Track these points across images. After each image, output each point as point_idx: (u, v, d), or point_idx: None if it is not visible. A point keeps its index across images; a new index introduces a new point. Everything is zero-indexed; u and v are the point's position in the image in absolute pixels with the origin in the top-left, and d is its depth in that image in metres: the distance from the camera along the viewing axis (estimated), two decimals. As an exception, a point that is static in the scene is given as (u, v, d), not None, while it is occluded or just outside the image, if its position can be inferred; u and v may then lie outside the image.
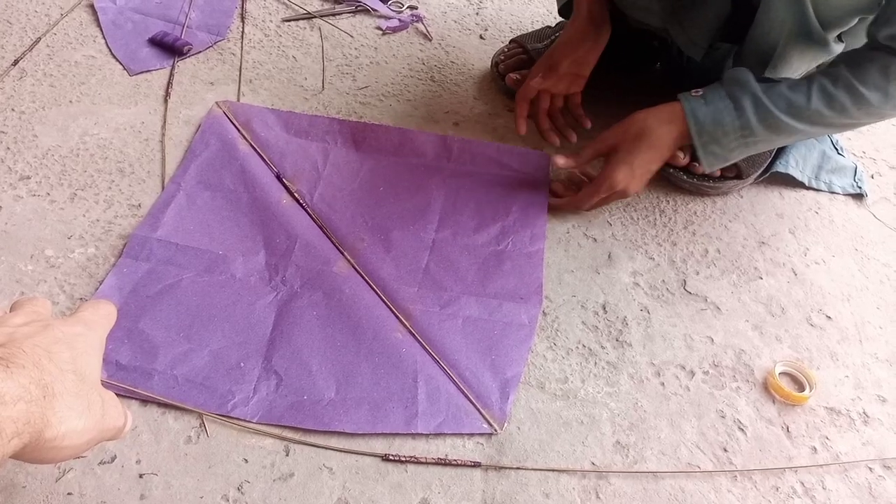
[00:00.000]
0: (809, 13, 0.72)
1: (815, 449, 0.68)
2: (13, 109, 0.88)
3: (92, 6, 1.05)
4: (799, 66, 0.81)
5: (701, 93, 0.78)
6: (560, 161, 0.83)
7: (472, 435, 0.64)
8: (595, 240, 0.84)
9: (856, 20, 0.75)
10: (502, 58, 1.03)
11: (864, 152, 1.03)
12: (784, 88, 0.75)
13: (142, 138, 0.87)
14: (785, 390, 0.70)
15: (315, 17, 1.11)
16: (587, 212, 0.86)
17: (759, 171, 0.91)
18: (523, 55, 1.01)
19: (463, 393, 0.67)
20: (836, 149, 0.97)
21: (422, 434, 0.64)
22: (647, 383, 0.71)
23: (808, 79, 0.76)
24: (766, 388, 0.71)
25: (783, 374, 0.73)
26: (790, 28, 0.75)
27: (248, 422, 0.63)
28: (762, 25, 0.79)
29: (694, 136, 0.78)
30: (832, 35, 0.76)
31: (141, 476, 0.59)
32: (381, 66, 1.04)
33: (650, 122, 0.80)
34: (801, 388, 0.72)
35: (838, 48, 0.78)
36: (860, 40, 0.78)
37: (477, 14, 1.17)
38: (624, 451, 0.65)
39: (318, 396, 0.65)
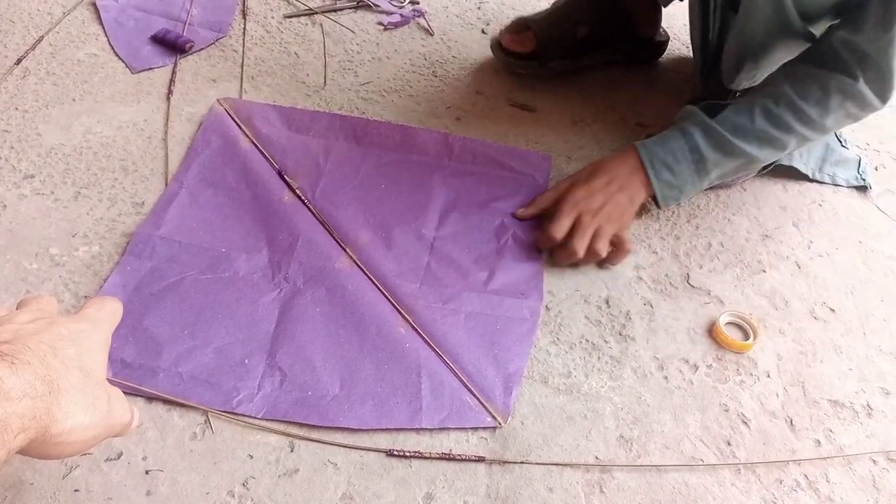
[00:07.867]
0: (788, 5, 0.74)
1: (818, 442, 0.68)
2: (17, 108, 0.89)
3: (94, 4, 1.05)
4: (783, 59, 0.82)
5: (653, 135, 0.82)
6: (519, 212, 0.83)
7: (475, 429, 0.65)
8: (598, 234, 0.84)
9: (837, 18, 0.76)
10: (502, 30, 1.03)
11: (868, 144, 1.02)
12: (729, 112, 0.79)
13: (144, 136, 0.87)
14: (729, 338, 0.73)
15: (316, 13, 1.10)
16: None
17: (763, 164, 0.91)
18: (522, 23, 1.01)
19: (466, 387, 0.67)
20: (840, 141, 0.97)
21: (426, 429, 0.64)
22: (650, 377, 0.71)
23: (751, 100, 0.79)
24: (713, 337, 0.74)
25: (730, 324, 0.76)
26: (771, 19, 0.76)
27: (253, 418, 0.63)
28: (745, 18, 0.79)
29: (646, 164, 0.80)
30: (817, 28, 0.77)
31: (147, 472, 0.59)
32: (383, 62, 1.04)
33: (605, 159, 0.82)
34: (747, 338, 0.75)
35: None
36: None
37: (478, 9, 1.17)
38: (627, 444, 0.65)
39: (322, 392, 0.65)
